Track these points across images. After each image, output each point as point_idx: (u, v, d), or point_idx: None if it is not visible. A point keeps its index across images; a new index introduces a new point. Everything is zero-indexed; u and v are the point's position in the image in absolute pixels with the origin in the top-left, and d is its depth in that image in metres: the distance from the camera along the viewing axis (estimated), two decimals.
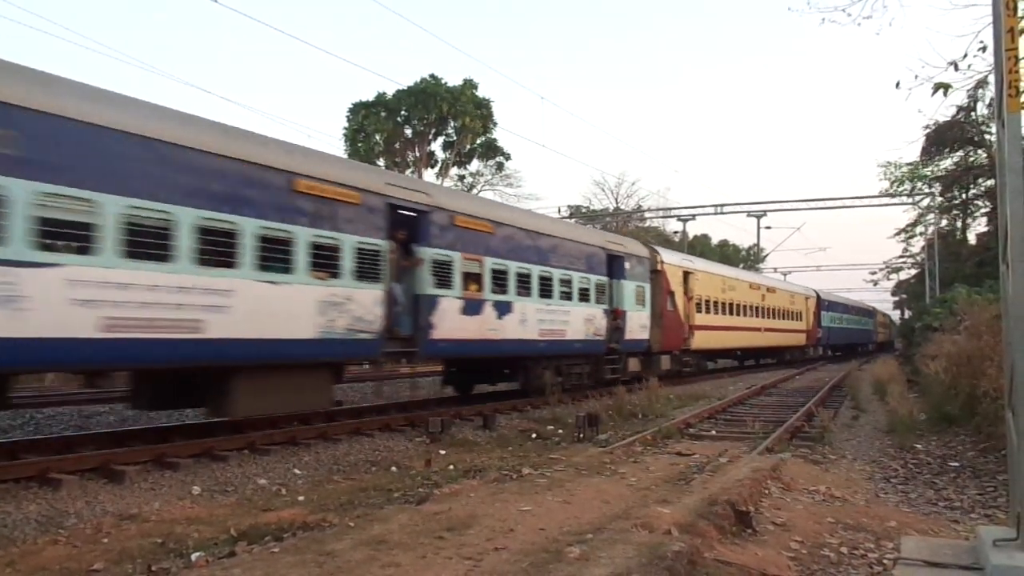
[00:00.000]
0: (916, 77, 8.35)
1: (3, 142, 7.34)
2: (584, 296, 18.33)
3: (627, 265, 20.68)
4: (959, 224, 43.76)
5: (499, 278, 14.94)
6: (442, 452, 11.24)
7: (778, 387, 23.78)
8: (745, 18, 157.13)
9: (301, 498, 8.16)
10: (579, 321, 17.99)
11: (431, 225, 13.15)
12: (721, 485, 7.41)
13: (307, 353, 10.74)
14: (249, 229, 9.66)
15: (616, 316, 19.74)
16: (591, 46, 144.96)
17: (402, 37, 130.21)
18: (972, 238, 41.91)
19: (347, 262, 11.20)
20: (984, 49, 7.95)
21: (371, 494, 8.20)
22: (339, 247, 11.08)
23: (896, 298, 74.05)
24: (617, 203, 58.34)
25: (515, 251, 15.56)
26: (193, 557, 5.69)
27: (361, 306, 11.40)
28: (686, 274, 25.39)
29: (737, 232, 75.68)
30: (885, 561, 5.60)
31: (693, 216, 44.80)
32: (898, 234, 49.34)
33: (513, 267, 15.39)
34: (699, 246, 63.38)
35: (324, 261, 10.79)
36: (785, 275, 61.11)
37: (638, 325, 21.01)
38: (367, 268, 11.56)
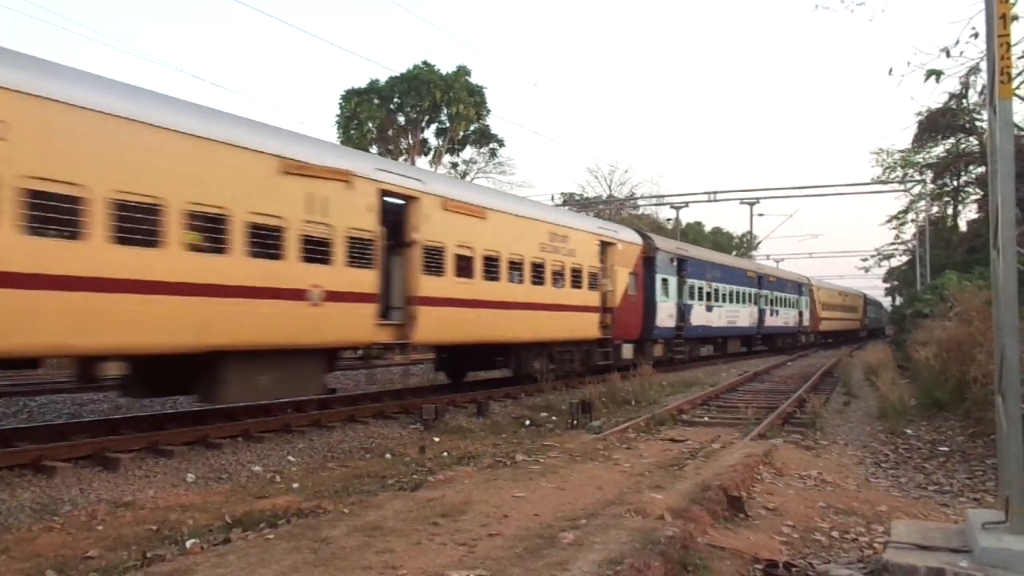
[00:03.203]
0: (908, 64, 8.38)
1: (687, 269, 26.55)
2: (796, 305, 41.96)
3: (803, 288, 43.67)
4: (950, 211, 43.83)
5: (779, 301, 38.16)
6: (436, 439, 11.27)
7: (770, 374, 23.91)
8: (738, 5, 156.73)
9: (295, 485, 8.18)
10: (792, 317, 41.29)
11: (765, 281, 35.76)
12: (714, 471, 7.46)
13: (749, 334, 34.48)
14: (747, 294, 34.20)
15: (800, 315, 42.60)
16: (585, 33, 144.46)
17: (395, 23, 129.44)
18: (963, 225, 42.00)
19: (754, 299, 34.34)
20: (976, 36, 7.98)
21: (365, 481, 8.22)
22: (758, 295, 35.16)
23: (887, 285, 74.37)
24: (610, 190, 58.29)
25: (778, 287, 38.38)
26: (188, 544, 5.70)
27: (754, 314, 34.11)
28: (817, 290, 48.09)
29: (730, 219, 76.01)
30: (876, 545, 5.66)
31: (686, 204, 44.76)
32: (889, 221, 49.40)
33: (773, 295, 37.03)
34: (692, 233, 63.34)
35: (746, 300, 33.32)
36: (778, 262, 61.31)
37: (806, 319, 44.33)
38: (750, 299, 33.79)
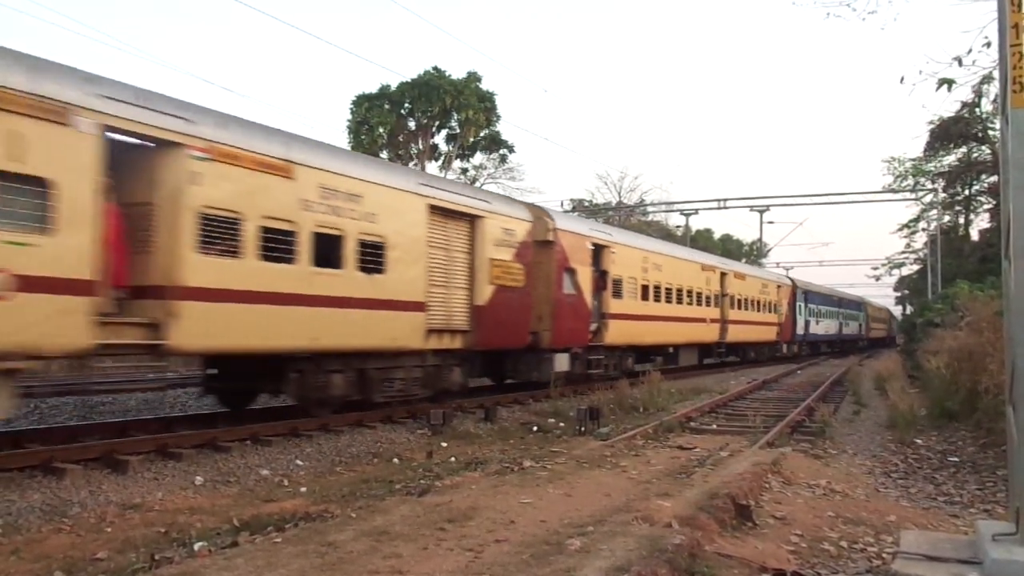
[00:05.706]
0: (920, 72, 8.36)
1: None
2: (857, 319, 57.29)
3: (860, 306, 58.76)
4: (961, 220, 43.66)
5: (849, 316, 54.08)
6: (443, 444, 11.27)
7: (779, 382, 23.80)
8: (749, 12, 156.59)
9: (303, 489, 8.19)
10: (855, 328, 57.08)
11: (843, 302, 53.59)
12: (722, 479, 7.44)
13: (833, 339, 49.48)
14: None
15: (860, 326, 57.67)
16: (595, 40, 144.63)
17: (406, 29, 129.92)
18: (974, 234, 41.85)
19: (836, 316, 51.23)
20: (989, 45, 7.95)
21: (373, 485, 8.23)
22: (839, 312, 51.97)
23: (898, 293, 74.01)
24: (620, 197, 58.27)
25: (848, 306, 54.12)
26: (196, 547, 5.72)
27: (837, 326, 49.64)
28: (868, 307, 62.45)
29: (740, 226, 75.86)
30: (885, 555, 5.62)
31: (696, 211, 44.66)
32: (900, 229, 49.16)
33: (846, 311, 52.71)
34: (701, 240, 63.17)
35: (833, 316, 49.87)
36: (787, 270, 61.14)
37: (863, 329, 59.91)
38: (835, 316, 50.77)
